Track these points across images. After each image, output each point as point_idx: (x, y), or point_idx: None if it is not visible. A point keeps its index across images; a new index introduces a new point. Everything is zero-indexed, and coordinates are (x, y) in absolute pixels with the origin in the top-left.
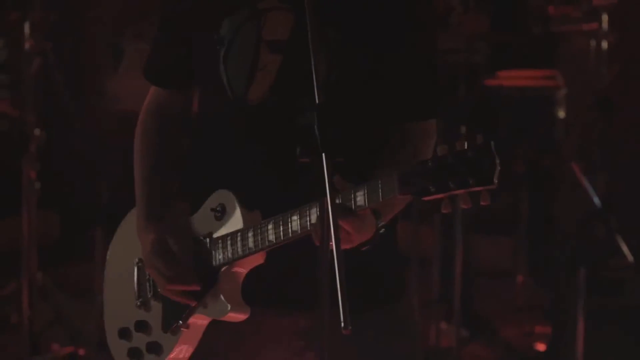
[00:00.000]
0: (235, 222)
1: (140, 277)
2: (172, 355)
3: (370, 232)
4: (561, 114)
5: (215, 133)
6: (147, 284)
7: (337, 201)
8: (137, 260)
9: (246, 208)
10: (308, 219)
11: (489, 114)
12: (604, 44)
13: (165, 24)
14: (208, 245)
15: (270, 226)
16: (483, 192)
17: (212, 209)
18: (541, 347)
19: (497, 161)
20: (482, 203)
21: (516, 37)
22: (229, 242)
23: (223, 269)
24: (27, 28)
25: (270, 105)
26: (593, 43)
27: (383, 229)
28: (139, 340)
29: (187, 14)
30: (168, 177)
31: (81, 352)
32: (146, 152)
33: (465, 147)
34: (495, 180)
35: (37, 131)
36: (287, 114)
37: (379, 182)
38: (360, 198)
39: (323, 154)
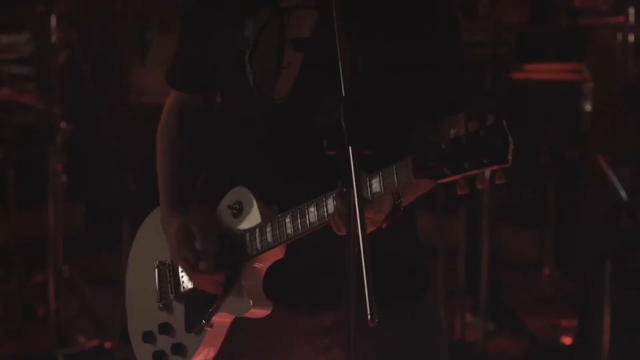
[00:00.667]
0: (253, 218)
1: (161, 279)
2: (197, 357)
3: (389, 209)
4: (587, 107)
5: (240, 131)
6: (169, 286)
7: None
8: (157, 262)
9: (264, 203)
10: (325, 209)
11: (516, 106)
12: (631, 37)
13: (187, 28)
14: (227, 242)
15: (287, 219)
16: (498, 171)
17: (229, 206)
18: (567, 340)
19: (510, 139)
20: (497, 182)
21: (543, 29)
22: (247, 238)
23: (243, 265)
24: (53, 21)
25: (295, 102)
26: (619, 36)
27: (401, 205)
28: (163, 342)
29: (210, 17)
30: (190, 174)
31: (107, 345)
32: (168, 149)
33: (478, 128)
34: (510, 158)
35: (63, 124)
36: (311, 110)
37: (394, 167)
38: (375, 185)
39: (350, 147)
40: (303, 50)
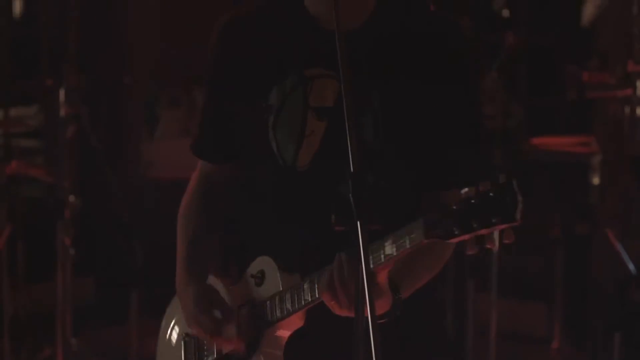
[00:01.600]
0: (274, 285)
1: (187, 352)
2: None
3: (388, 304)
4: (596, 180)
5: (262, 198)
6: (194, 358)
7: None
8: (184, 334)
9: (286, 271)
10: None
11: (524, 179)
12: (639, 110)
13: (211, 96)
14: (249, 310)
15: (306, 285)
16: (507, 231)
17: (252, 276)
18: None
19: (519, 198)
20: (505, 241)
21: (551, 103)
22: (268, 306)
23: (264, 332)
24: (62, 94)
25: (317, 171)
26: (627, 109)
27: (400, 301)
28: None
29: (235, 85)
30: (209, 243)
31: None
32: (190, 223)
33: (489, 188)
34: (518, 217)
35: (71, 197)
36: (333, 179)
37: (405, 229)
38: (388, 247)
39: (358, 222)
40: (325, 119)
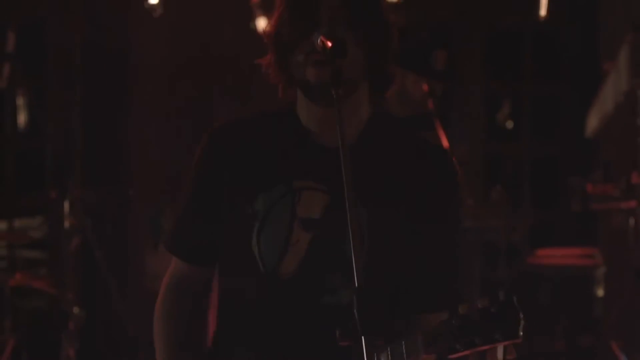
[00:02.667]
0: None
1: None
2: None
3: None
4: (600, 292)
5: (242, 306)
6: None
7: None
8: None
9: None
10: None
11: (528, 291)
12: None
13: (195, 195)
14: None
15: None
16: (509, 347)
17: None
18: None
19: (521, 314)
20: (508, 357)
21: (555, 214)
22: None
23: None
24: (66, 206)
25: (300, 280)
26: (632, 221)
27: None
28: None
29: (222, 188)
30: (189, 355)
31: None
32: (166, 335)
33: (488, 304)
34: (520, 333)
35: (76, 309)
36: (317, 289)
37: (403, 343)
38: None
39: (363, 337)
40: (311, 230)
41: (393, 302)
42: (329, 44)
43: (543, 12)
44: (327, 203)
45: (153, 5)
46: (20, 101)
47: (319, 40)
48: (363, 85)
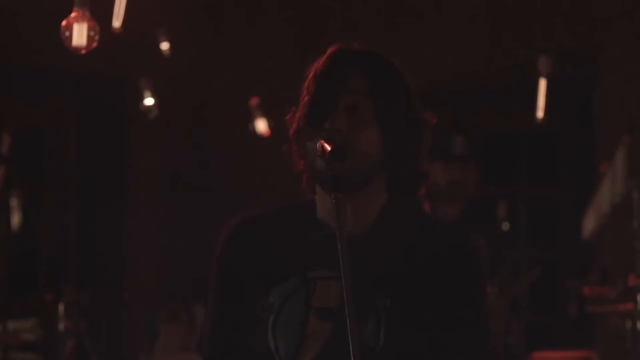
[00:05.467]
0: None
1: None
2: None
3: None
4: None
5: None
6: None
7: None
8: None
9: None
10: None
11: None
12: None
13: (218, 297)
14: None
15: None
16: None
17: None
18: None
19: None
20: None
21: (552, 317)
22: None
23: None
24: (61, 309)
25: None
26: (629, 323)
27: None
28: None
29: (240, 286)
30: None
31: None
32: None
33: None
34: None
35: None
36: None
37: None
38: None
39: None
40: (328, 320)
41: None
42: (328, 147)
43: (540, 114)
44: (342, 292)
45: (149, 106)
46: (14, 203)
47: (318, 144)
48: (380, 176)
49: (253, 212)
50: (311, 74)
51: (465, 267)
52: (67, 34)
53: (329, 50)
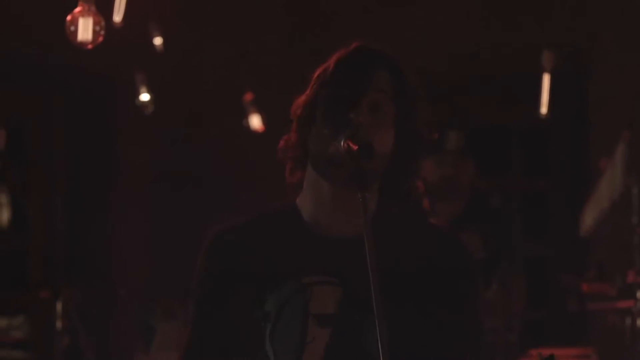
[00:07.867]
0: None
1: None
2: None
3: None
4: None
5: None
6: None
7: None
8: None
9: None
10: None
11: None
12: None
13: (202, 311)
14: None
15: None
16: None
17: None
18: None
19: None
20: None
21: (550, 314)
22: None
23: None
24: (58, 307)
25: None
26: (628, 320)
27: None
28: None
29: (228, 297)
30: None
31: None
32: None
33: None
34: None
35: None
36: None
37: None
38: None
39: None
40: (327, 326)
41: None
42: (355, 147)
43: (544, 109)
44: (340, 296)
45: (144, 102)
46: (3, 198)
47: (343, 142)
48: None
49: (229, 223)
50: (332, 66)
51: (457, 269)
52: (72, 28)
53: (354, 45)
